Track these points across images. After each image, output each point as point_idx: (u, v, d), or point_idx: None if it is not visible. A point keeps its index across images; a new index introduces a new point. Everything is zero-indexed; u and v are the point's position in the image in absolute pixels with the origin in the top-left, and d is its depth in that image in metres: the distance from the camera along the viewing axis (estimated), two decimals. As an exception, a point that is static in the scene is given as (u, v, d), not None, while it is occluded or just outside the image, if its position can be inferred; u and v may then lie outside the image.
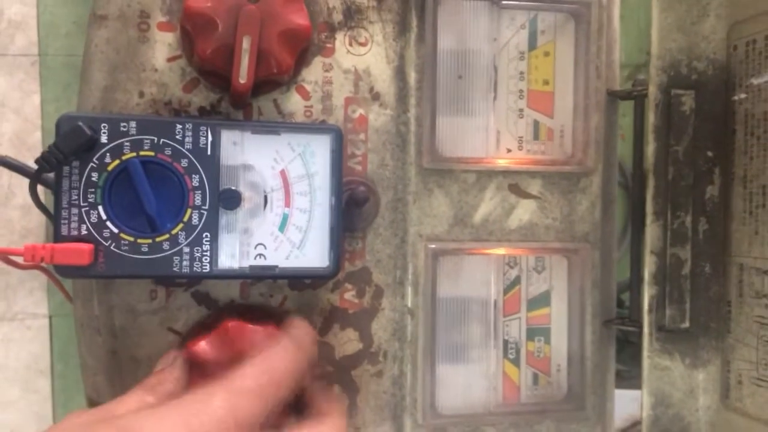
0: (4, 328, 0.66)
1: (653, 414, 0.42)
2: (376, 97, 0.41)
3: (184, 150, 0.35)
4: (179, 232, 0.35)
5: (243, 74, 0.35)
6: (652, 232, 0.41)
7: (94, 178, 0.34)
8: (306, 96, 0.40)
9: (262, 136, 0.37)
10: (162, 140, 0.35)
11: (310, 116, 0.40)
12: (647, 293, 0.41)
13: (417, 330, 0.42)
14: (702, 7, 0.42)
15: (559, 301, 0.45)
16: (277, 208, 0.37)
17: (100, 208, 0.34)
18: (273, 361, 0.34)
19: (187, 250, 0.35)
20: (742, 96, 0.41)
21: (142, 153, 0.35)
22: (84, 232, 0.34)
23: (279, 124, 0.38)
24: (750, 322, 0.40)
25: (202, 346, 0.36)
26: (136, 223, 0.35)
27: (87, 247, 0.34)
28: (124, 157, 0.34)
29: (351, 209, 0.40)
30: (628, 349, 0.67)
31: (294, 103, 0.40)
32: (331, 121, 0.40)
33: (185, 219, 0.35)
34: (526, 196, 0.43)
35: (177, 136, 0.35)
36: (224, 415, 0.30)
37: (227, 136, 0.36)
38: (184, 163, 0.35)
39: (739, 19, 0.41)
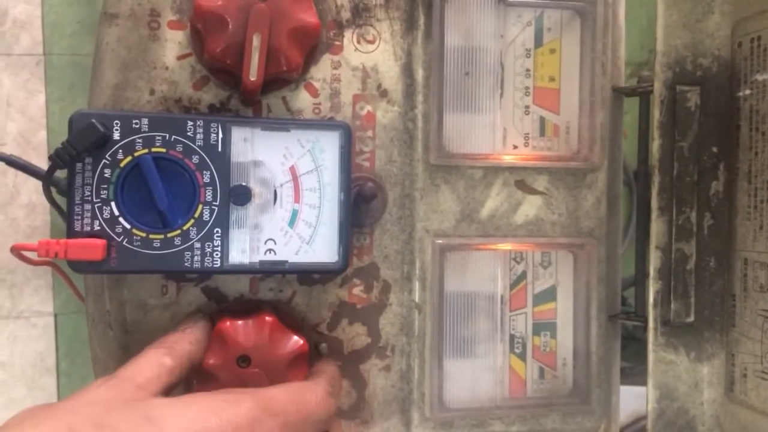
0: (10, 326, 0.67)
1: (658, 407, 0.42)
2: (383, 94, 0.41)
3: (195, 147, 0.35)
4: (190, 228, 0.35)
5: (253, 72, 0.36)
6: (657, 227, 0.42)
7: (106, 175, 0.34)
8: (314, 93, 0.40)
9: (272, 132, 0.37)
10: (173, 137, 0.35)
11: (318, 113, 0.40)
12: (652, 288, 0.42)
13: (424, 325, 0.42)
14: (707, 4, 0.42)
15: (565, 296, 0.45)
16: (286, 203, 0.37)
17: (113, 204, 0.35)
18: (304, 394, 0.34)
19: (198, 245, 0.35)
20: (747, 92, 0.42)
21: (154, 149, 0.35)
22: (97, 227, 0.34)
23: (288, 121, 0.38)
24: (754, 315, 0.41)
25: (234, 325, 0.36)
26: (148, 218, 0.35)
27: (100, 242, 0.34)
28: (136, 154, 0.35)
29: (359, 205, 0.40)
30: (631, 346, 0.68)
31: (303, 100, 0.40)
32: (339, 118, 0.40)
33: (196, 215, 0.35)
34: (533, 192, 0.44)
35: (188, 133, 0.35)
36: (247, 421, 0.30)
37: (237, 133, 0.36)
38: (195, 159, 0.35)
39: (743, 16, 0.42)
